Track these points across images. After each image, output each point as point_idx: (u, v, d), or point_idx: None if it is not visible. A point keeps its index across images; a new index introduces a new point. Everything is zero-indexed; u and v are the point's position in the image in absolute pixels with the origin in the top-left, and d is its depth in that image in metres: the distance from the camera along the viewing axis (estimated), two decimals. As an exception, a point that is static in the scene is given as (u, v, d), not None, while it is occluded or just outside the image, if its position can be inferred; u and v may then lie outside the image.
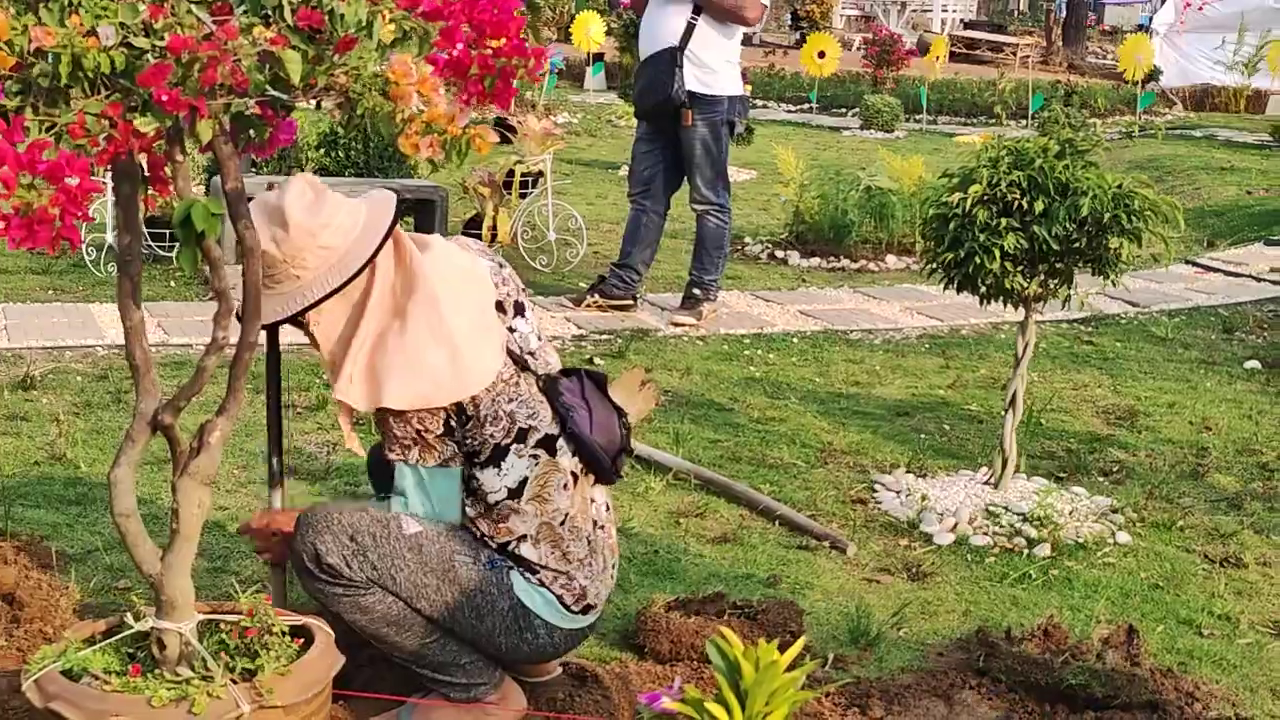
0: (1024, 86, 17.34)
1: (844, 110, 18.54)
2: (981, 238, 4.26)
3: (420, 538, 2.89)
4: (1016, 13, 36.91)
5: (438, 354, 2.82)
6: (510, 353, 2.95)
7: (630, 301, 7.12)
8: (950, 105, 18.58)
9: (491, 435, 2.89)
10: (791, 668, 2.20)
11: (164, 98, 2.08)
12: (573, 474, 3.01)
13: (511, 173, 8.26)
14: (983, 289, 4.41)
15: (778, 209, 10.21)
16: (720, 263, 7.01)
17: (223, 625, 2.58)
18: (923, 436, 5.34)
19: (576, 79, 19.17)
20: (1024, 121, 16.99)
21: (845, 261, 8.73)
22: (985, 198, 4.29)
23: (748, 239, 9.22)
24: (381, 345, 2.84)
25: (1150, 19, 24.64)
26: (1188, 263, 8.75)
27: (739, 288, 7.86)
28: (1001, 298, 4.43)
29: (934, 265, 4.49)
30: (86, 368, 5.65)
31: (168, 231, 7.54)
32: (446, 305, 2.86)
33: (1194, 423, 5.66)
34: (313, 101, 2.33)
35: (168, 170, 2.37)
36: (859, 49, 23.74)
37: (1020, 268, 4.33)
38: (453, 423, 2.88)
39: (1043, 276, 4.40)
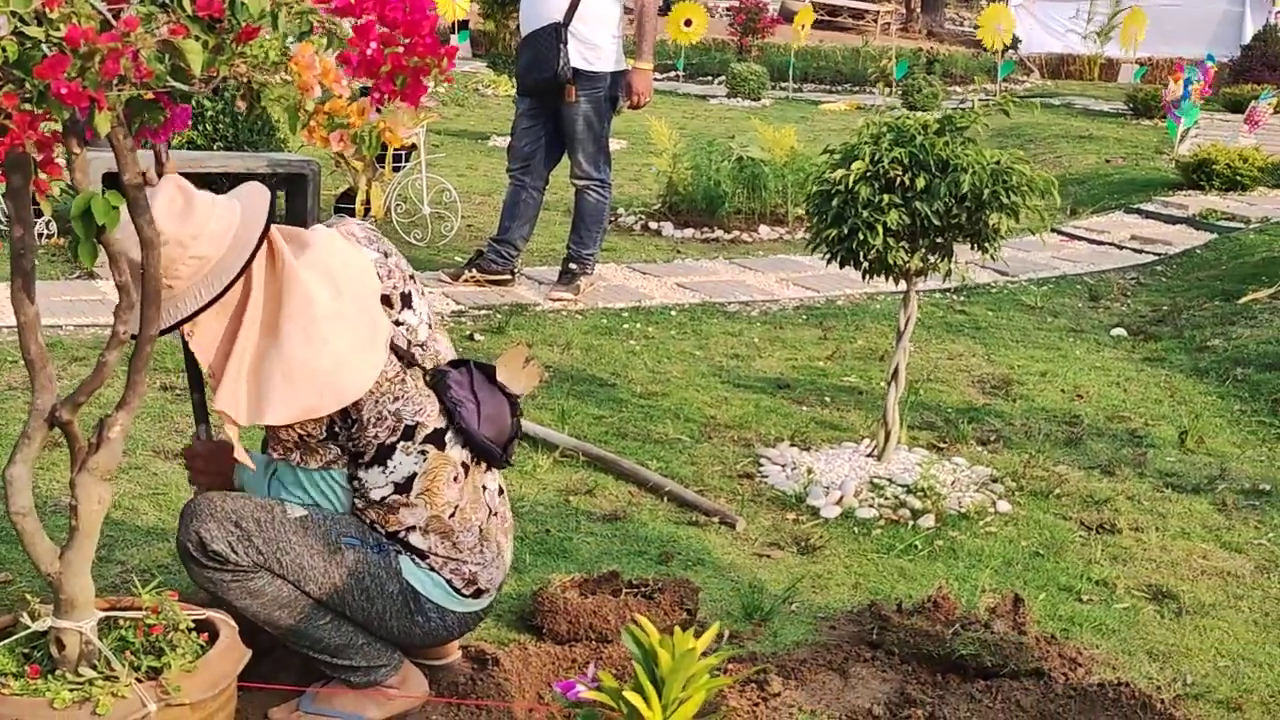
0: (887, 54, 17.57)
1: (710, 78, 18.64)
2: (865, 214, 4.32)
3: (306, 521, 2.87)
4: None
5: (315, 364, 2.75)
6: (396, 348, 2.89)
7: (508, 276, 7.10)
8: (815, 73, 18.78)
9: (376, 435, 2.86)
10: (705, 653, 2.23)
11: (63, 90, 2.03)
12: (463, 465, 2.99)
13: (384, 145, 8.15)
14: (865, 264, 4.48)
15: (650, 179, 10.25)
16: (599, 237, 7.03)
17: (122, 622, 2.53)
18: (804, 409, 5.41)
19: (442, 46, 18.93)
20: (887, 89, 17.22)
21: (719, 232, 8.80)
22: (868, 174, 4.35)
23: (621, 210, 9.24)
24: (260, 359, 2.77)
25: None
26: (1053, 231, 8.96)
27: (615, 260, 7.88)
28: (884, 272, 4.50)
29: (817, 241, 4.53)
30: (-48, 351, 5.49)
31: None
32: (321, 310, 2.78)
33: (1066, 391, 5.81)
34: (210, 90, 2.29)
35: (57, 155, 2.31)
36: (723, 16, 23.83)
37: (902, 243, 4.40)
38: (336, 427, 2.85)
39: (924, 251, 4.47)
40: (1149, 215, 9.58)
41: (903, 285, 4.60)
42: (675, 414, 5.25)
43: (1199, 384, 5.94)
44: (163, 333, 2.73)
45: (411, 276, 3.03)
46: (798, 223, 8.96)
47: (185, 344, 3.01)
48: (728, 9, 24.29)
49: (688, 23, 16.50)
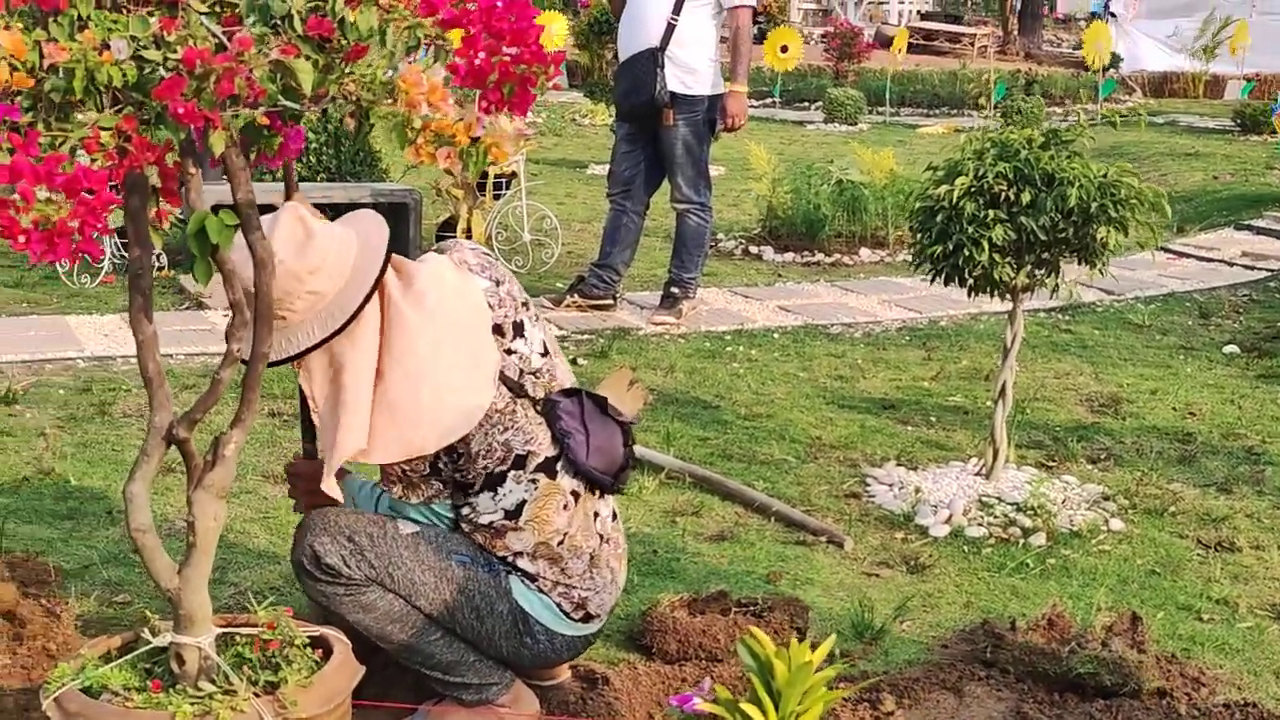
0: (987, 76, 17.41)
1: (806, 104, 18.61)
2: (970, 230, 4.28)
3: (417, 537, 2.89)
4: (969, 3, 37.10)
5: (419, 403, 2.75)
6: (506, 379, 2.89)
7: (610, 301, 7.12)
8: (912, 97, 18.67)
9: (485, 466, 2.87)
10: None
11: (180, 110, 2.06)
12: (573, 493, 2.98)
13: (485, 174, 8.23)
14: (970, 281, 4.43)
15: (749, 204, 10.24)
16: (700, 261, 7.03)
17: (239, 638, 2.55)
18: (909, 429, 5.35)
19: (538, 78, 19.05)
20: (986, 112, 17.07)
21: (819, 255, 8.76)
22: (972, 190, 4.31)
23: (721, 235, 9.23)
24: (368, 398, 2.77)
25: (1106, 5, 24.85)
26: (1160, 249, 8.80)
27: (716, 284, 7.87)
28: (989, 289, 4.45)
29: (921, 258, 4.49)
30: (68, 380, 5.60)
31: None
32: (425, 348, 2.78)
33: (1177, 409, 5.70)
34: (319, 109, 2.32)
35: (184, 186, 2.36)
36: (817, 43, 23.78)
37: (1008, 259, 4.35)
38: (440, 463, 2.86)
39: (1030, 267, 4.42)
40: (1260, 231, 9.39)
41: (1008, 303, 4.55)
42: (780, 435, 5.23)
43: (1317, 400, 5.81)
44: (274, 364, 2.75)
45: (525, 304, 3.01)
46: (898, 245, 8.90)
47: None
48: (822, 36, 24.24)
49: (784, 49, 16.47)
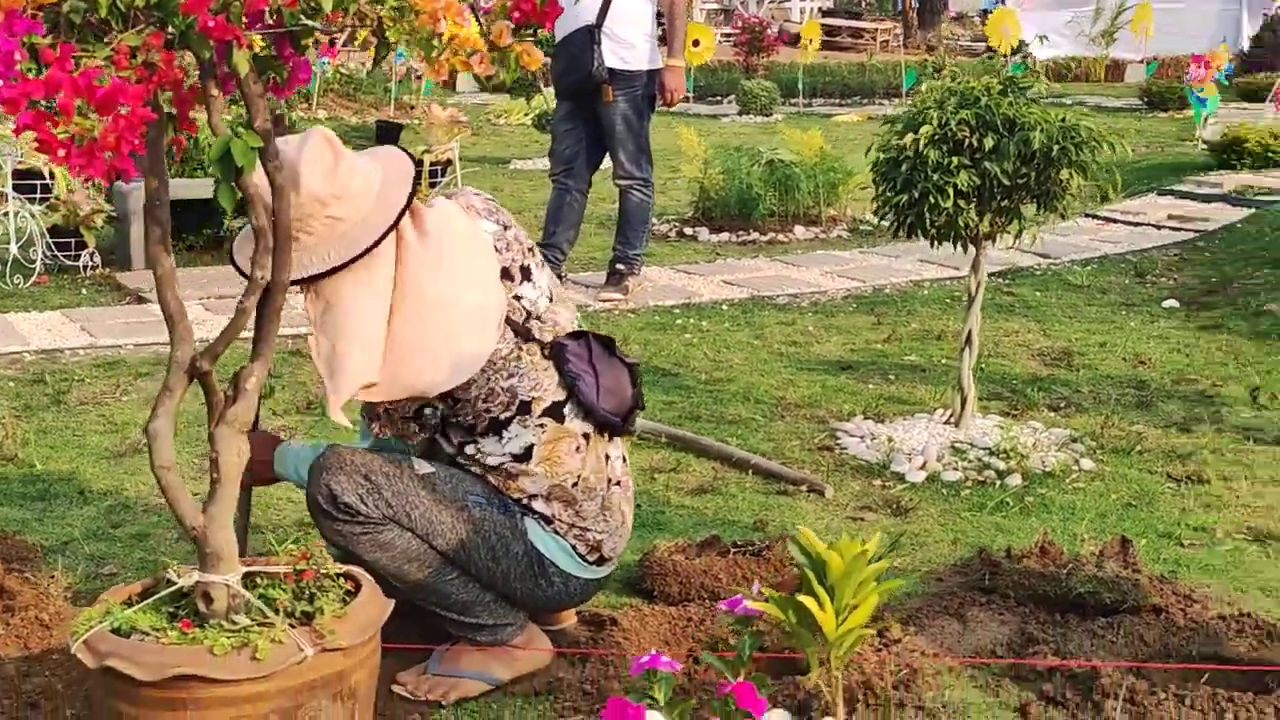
0: (896, 66, 17.63)
1: (719, 98, 18.71)
2: (935, 177, 4.32)
3: (433, 478, 2.87)
4: (865, 1, 37.50)
5: (421, 346, 2.74)
6: (512, 323, 2.88)
7: (556, 280, 7.10)
8: (824, 88, 18.86)
9: (487, 410, 2.86)
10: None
11: (210, 24, 2.04)
12: (584, 435, 2.98)
13: (420, 161, 8.18)
14: (933, 230, 4.47)
15: (676, 190, 10.27)
16: (644, 237, 7.05)
17: (261, 579, 2.52)
18: (871, 386, 5.40)
19: (449, 82, 19.02)
20: (896, 100, 17.25)
21: (754, 235, 8.79)
22: (935, 138, 4.35)
23: (654, 220, 9.22)
24: (382, 333, 2.73)
25: (999, 1, 25.19)
26: (1088, 216, 8.95)
27: (657, 264, 7.87)
28: (953, 237, 4.49)
29: (885, 209, 4.53)
30: (17, 373, 5.49)
31: (72, 240, 7.38)
32: (432, 292, 2.75)
33: (1127, 359, 5.79)
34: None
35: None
36: (722, 41, 23.89)
37: (971, 205, 4.39)
38: (428, 408, 2.84)
39: (991, 214, 4.47)
40: (1183, 195, 9.56)
41: (969, 258, 4.61)
42: (744, 397, 5.25)
43: (1262, 345, 5.91)
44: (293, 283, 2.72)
45: (530, 249, 3.00)
46: (831, 222, 8.98)
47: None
48: (725, 34, 24.38)
49: (695, 43, 16.52)
